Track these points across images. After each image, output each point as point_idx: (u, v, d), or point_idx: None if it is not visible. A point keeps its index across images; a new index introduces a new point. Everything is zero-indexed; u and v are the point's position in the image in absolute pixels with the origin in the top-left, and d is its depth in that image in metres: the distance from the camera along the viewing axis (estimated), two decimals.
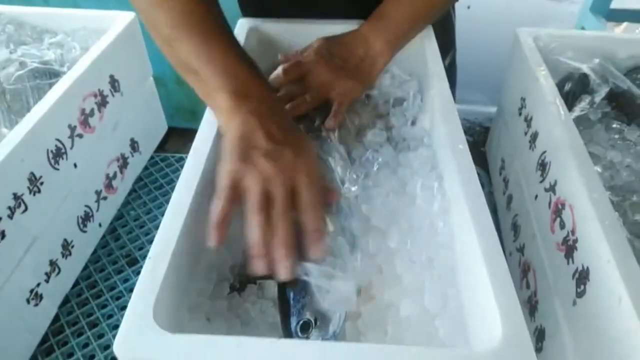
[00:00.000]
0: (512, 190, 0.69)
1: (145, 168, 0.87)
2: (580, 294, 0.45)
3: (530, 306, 0.57)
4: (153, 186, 0.84)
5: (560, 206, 0.51)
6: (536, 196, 0.58)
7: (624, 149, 0.55)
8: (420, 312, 0.44)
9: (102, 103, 0.73)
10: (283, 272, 0.41)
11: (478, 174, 0.86)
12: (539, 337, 0.53)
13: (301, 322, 0.42)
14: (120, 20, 0.78)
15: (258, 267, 0.41)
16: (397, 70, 0.69)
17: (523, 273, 0.60)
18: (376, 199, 0.54)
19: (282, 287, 0.45)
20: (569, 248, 0.48)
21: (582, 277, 0.45)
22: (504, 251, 0.71)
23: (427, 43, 0.68)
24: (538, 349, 0.53)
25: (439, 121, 0.57)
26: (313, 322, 0.42)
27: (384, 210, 0.53)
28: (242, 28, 0.74)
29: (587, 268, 0.44)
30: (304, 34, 0.75)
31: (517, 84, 0.70)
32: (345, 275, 0.42)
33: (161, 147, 0.92)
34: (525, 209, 0.61)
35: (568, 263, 0.48)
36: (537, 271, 0.55)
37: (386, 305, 0.45)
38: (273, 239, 0.41)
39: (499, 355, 0.34)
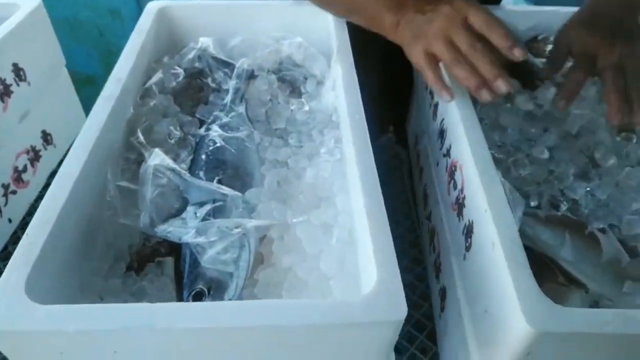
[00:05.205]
0: (423, 162, 0.71)
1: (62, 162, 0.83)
2: (468, 248, 0.47)
3: (436, 268, 0.59)
4: None
5: (453, 168, 0.53)
6: (437, 163, 0.60)
7: (513, 112, 0.58)
8: (317, 275, 0.45)
9: (6, 92, 0.70)
10: (503, 87, 0.48)
11: (399, 152, 0.89)
12: (442, 296, 0.55)
13: (193, 292, 0.42)
14: (24, 6, 0.75)
15: (484, 96, 0.49)
16: (307, 46, 0.70)
17: (430, 238, 0.62)
18: (280, 170, 0.54)
19: (178, 261, 0.45)
20: (460, 206, 0.50)
21: (469, 231, 0.47)
22: (418, 220, 0.74)
23: (334, 19, 0.70)
24: (442, 308, 0.55)
25: (342, 95, 0.58)
26: (206, 291, 0.42)
27: (288, 180, 0.54)
28: (150, 11, 0.73)
29: (472, 222, 0.46)
30: (211, 15, 0.76)
31: None
32: (225, 236, 0.42)
33: None
34: (431, 177, 0.64)
35: (459, 220, 0.50)
36: (440, 234, 0.58)
37: (284, 271, 0.46)
38: (480, 69, 0.48)
39: (370, 303, 0.35)
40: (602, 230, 0.44)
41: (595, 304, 0.41)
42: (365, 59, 0.86)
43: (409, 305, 0.63)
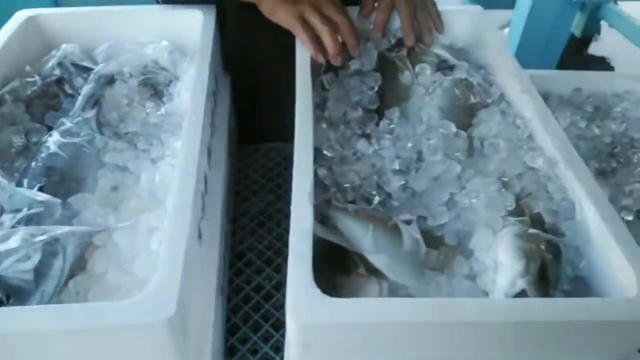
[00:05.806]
0: None
1: None
2: None
3: None
4: None
5: None
6: None
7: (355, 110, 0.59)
8: (130, 280, 0.45)
9: None
10: (357, 53, 0.63)
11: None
12: None
13: None
14: None
15: (340, 61, 0.61)
16: (172, 49, 0.70)
17: None
18: (118, 174, 0.54)
19: None
20: None
21: None
22: None
23: (204, 21, 0.70)
24: None
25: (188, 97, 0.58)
26: (5, 299, 0.41)
27: (127, 184, 0.53)
28: (15, 20, 0.71)
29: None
30: (82, 22, 0.75)
31: None
32: (27, 244, 0.41)
33: None
34: None
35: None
36: None
37: (97, 277, 0.45)
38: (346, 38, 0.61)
39: (134, 305, 0.35)
40: (408, 222, 0.45)
41: (393, 293, 0.42)
42: (265, 64, 0.87)
43: (272, 306, 0.64)
